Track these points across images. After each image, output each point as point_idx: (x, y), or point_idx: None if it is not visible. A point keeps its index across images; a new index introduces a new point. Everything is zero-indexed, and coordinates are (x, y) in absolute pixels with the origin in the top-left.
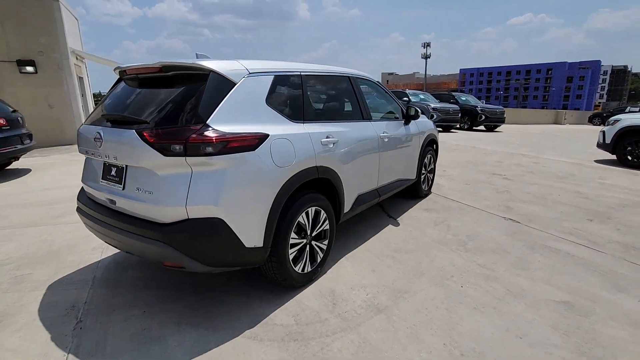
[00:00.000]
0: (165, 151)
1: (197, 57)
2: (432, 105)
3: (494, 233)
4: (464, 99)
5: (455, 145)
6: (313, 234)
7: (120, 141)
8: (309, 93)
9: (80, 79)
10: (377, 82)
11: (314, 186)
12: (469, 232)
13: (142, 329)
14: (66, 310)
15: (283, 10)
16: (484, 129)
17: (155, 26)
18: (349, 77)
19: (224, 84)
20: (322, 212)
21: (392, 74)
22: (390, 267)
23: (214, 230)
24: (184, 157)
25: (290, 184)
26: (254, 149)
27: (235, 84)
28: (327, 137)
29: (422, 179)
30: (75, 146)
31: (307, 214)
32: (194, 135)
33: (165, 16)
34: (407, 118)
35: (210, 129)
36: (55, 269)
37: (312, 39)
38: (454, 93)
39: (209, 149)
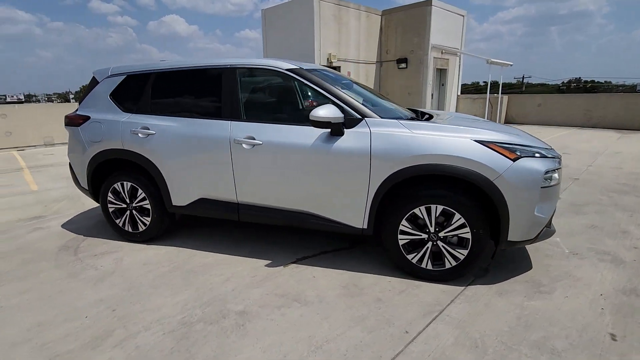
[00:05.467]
0: None
1: None
2: None
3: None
4: None
5: None
6: (133, 205)
7: None
8: (155, 89)
9: (442, 70)
10: (296, 71)
11: (136, 168)
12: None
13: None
14: None
15: None
16: None
17: None
18: (221, 70)
19: (94, 83)
20: (140, 191)
21: None
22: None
23: (70, 169)
24: None
25: (100, 155)
26: (78, 126)
27: (98, 83)
28: (143, 128)
29: (398, 242)
30: None
31: (122, 185)
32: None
33: None
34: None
35: (74, 112)
36: None
37: None
38: None
39: (65, 122)
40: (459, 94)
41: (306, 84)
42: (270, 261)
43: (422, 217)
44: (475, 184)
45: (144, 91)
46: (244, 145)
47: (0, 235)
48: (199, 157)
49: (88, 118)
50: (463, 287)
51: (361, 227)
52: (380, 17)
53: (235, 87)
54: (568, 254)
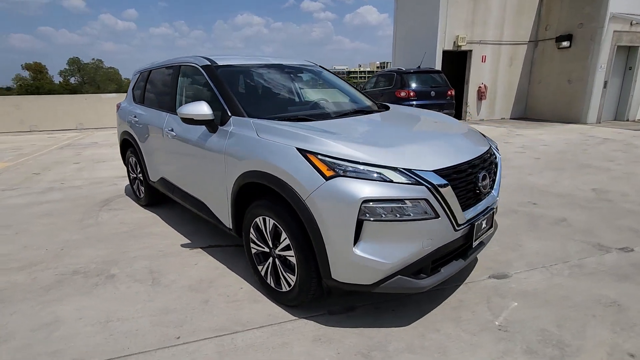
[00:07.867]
0: None
1: None
2: None
3: None
4: None
5: None
6: (137, 176)
7: None
8: (149, 84)
9: (631, 48)
10: (206, 67)
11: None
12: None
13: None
14: None
15: None
16: None
17: None
18: (171, 67)
19: (131, 80)
20: (136, 162)
21: None
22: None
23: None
24: None
25: (122, 135)
26: (117, 111)
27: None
28: (133, 116)
29: (251, 249)
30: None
31: (131, 159)
32: None
33: None
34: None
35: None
36: None
37: None
38: None
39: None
40: None
41: (206, 81)
42: (190, 242)
43: (262, 228)
44: (290, 201)
45: (142, 85)
46: (168, 135)
47: (92, 185)
48: (154, 142)
49: (120, 106)
50: (294, 318)
51: (229, 226)
52: None
53: (174, 83)
54: (494, 326)
